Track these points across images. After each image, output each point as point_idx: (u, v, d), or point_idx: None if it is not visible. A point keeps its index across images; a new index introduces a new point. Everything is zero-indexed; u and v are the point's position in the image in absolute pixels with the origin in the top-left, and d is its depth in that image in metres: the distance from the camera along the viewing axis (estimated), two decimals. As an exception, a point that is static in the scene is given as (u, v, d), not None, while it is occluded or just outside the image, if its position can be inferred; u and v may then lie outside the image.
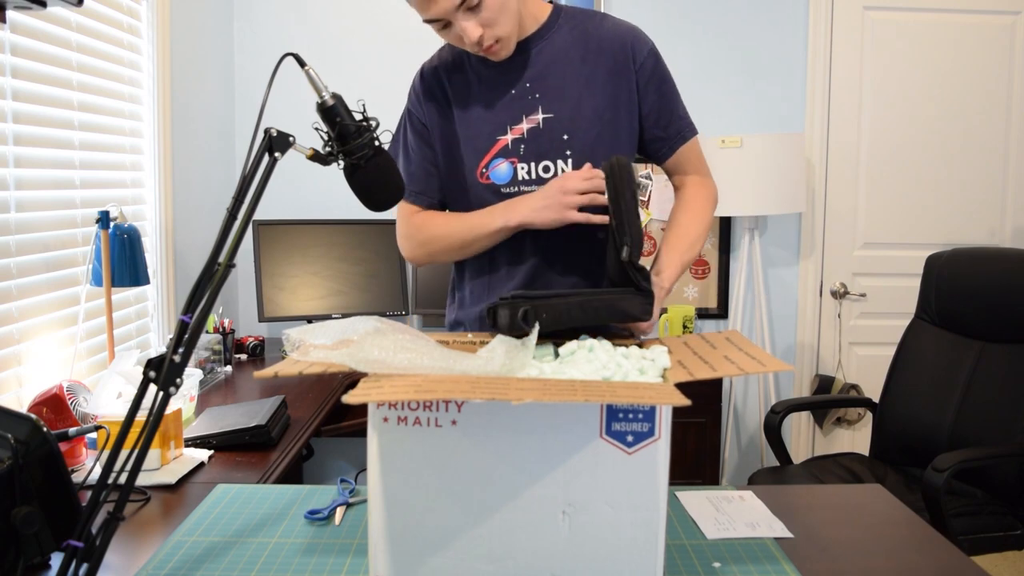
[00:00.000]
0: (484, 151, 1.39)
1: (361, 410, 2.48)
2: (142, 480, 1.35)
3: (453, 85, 1.42)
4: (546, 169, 1.38)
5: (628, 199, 1.20)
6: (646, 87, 1.41)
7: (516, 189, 1.39)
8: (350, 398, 0.75)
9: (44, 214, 1.87)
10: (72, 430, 1.18)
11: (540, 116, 1.37)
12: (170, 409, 1.47)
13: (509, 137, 1.38)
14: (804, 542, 1.08)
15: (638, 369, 0.97)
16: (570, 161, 1.38)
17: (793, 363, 3.23)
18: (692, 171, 1.49)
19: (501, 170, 1.39)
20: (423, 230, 1.44)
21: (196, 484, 1.42)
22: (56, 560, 1.03)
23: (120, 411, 1.55)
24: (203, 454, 1.57)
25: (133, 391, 1.47)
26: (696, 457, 2.80)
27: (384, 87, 2.74)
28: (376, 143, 1.12)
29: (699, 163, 1.50)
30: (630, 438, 0.81)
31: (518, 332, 1.09)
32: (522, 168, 1.38)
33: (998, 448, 2.13)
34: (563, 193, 1.27)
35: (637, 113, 1.42)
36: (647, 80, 1.41)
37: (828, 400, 3.13)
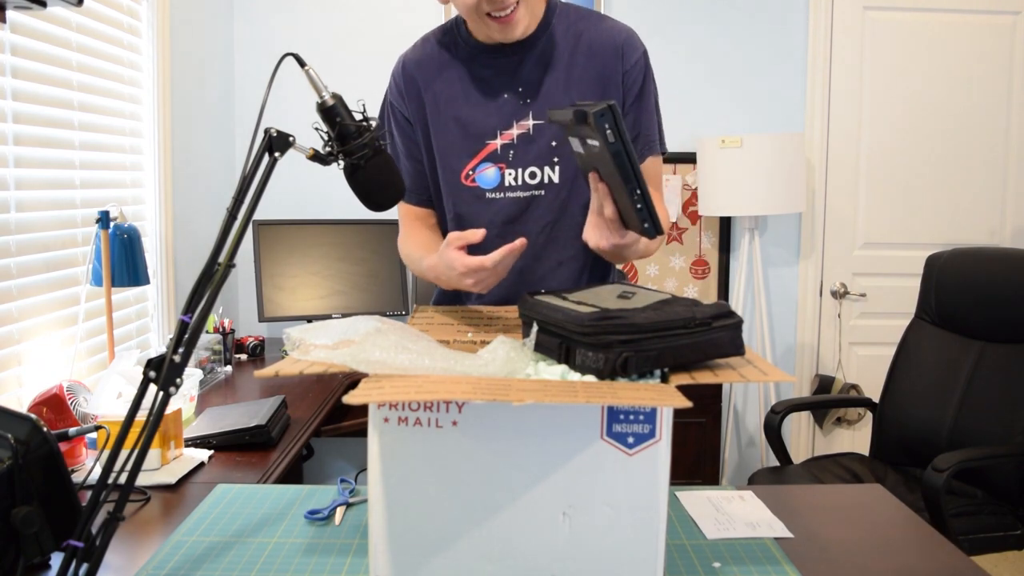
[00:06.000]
0: (472, 154, 1.38)
1: (361, 410, 2.47)
2: (142, 480, 1.35)
3: (439, 83, 1.39)
4: (532, 175, 1.37)
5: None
6: (627, 92, 1.37)
7: (502, 195, 1.38)
8: (351, 398, 0.75)
9: (44, 214, 1.87)
10: (72, 430, 1.18)
11: (531, 123, 1.36)
12: (170, 409, 1.47)
13: (499, 142, 1.37)
14: (804, 542, 1.08)
15: (638, 370, 0.97)
16: (557, 168, 1.37)
17: (793, 363, 3.23)
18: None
19: (488, 175, 1.38)
20: (403, 246, 1.48)
21: (196, 484, 1.42)
22: (56, 560, 1.03)
23: (120, 411, 1.55)
24: (203, 454, 1.57)
25: (133, 391, 1.47)
26: (696, 457, 2.80)
27: (384, 87, 2.74)
28: (376, 143, 1.12)
29: (656, 185, 1.41)
30: (631, 439, 0.81)
31: (605, 375, 0.88)
32: (510, 174, 1.37)
33: (998, 448, 2.12)
34: (453, 272, 1.19)
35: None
36: (629, 86, 1.37)
37: (828, 400, 3.13)
